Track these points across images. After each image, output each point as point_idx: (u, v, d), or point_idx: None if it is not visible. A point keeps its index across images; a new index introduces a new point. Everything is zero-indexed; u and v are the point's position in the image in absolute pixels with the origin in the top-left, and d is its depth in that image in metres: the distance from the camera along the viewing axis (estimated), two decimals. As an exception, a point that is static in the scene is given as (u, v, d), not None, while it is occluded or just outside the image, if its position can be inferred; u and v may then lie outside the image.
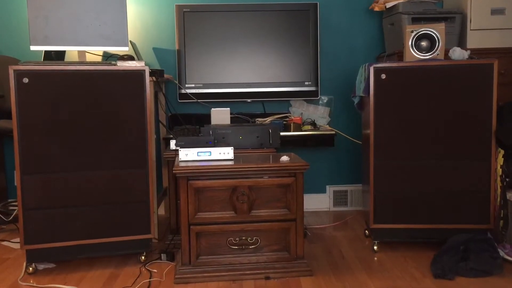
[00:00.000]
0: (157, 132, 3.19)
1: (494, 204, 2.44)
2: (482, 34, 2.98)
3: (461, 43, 3.02)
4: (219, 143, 2.54)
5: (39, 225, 2.24)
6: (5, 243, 2.74)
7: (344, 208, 3.49)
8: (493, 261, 2.24)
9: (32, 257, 2.28)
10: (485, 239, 2.34)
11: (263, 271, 2.22)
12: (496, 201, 2.45)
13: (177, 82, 3.18)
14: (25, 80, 2.17)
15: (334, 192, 3.48)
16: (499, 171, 2.44)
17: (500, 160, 2.44)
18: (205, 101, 3.20)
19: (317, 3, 3.18)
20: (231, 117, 3.02)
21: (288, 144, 2.99)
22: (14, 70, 2.16)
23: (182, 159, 2.29)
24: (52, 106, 2.21)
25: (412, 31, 2.53)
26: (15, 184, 3.17)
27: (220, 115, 2.96)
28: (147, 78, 2.32)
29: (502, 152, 2.43)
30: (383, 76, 2.44)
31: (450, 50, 2.53)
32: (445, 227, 2.47)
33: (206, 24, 3.15)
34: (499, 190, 2.44)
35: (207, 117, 3.09)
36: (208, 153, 2.30)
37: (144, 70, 2.31)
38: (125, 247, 2.37)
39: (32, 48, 2.40)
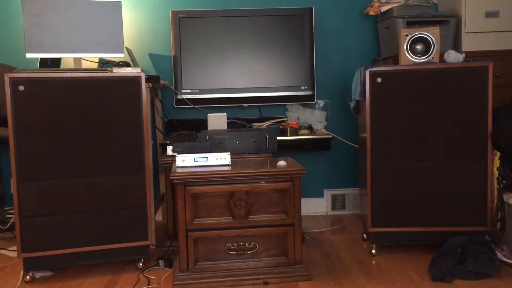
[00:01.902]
0: (154, 138, 3.19)
1: (491, 206, 2.45)
2: (476, 37, 2.99)
3: (456, 46, 3.03)
4: (216, 149, 2.53)
5: (36, 233, 2.23)
6: (2, 251, 2.73)
7: (341, 212, 3.49)
8: (491, 263, 2.24)
9: (29, 265, 2.27)
10: (482, 241, 2.34)
11: (261, 276, 2.21)
12: (493, 203, 2.45)
13: (173, 88, 3.18)
14: (21, 87, 2.17)
15: (332, 196, 3.48)
16: (496, 173, 2.44)
17: (497, 162, 2.44)
18: (202, 106, 3.20)
19: (312, 8, 3.19)
20: (227, 122, 3.02)
21: (285, 149, 2.98)
22: (10, 78, 2.16)
23: (179, 165, 2.29)
24: (48, 113, 2.21)
25: (407, 35, 2.55)
26: (12, 191, 3.16)
27: (217, 120, 2.96)
28: (143, 84, 2.32)
29: (498, 154, 2.44)
30: (379, 79, 2.45)
31: (445, 53, 2.54)
32: (443, 230, 2.47)
33: (201, 30, 3.16)
34: (495, 192, 2.44)
35: (204, 123, 3.09)
36: (205, 159, 2.30)
37: (140, 77, 2.31)
38: (122, 254, 2.37)
39: (28, 55, 2.40)
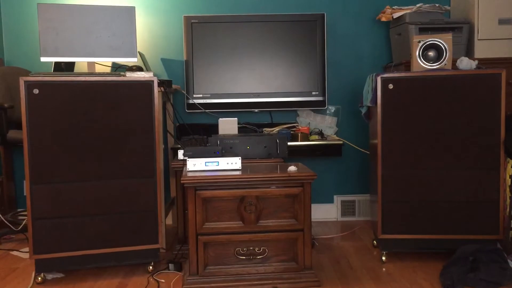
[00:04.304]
0: (165, 142, 3.21)
1: (503, 214, 2.43)
2: (489, 44, 2.97)
3: (469, 53, 3.02)
4: (227, 153, 2.54)
5: (48, 235, 2.25)
6: (14, 252, 2.76)
7: (351, 218, 3.47)
8: (502, 271, 2.22)
9: (41, 266, 2.30)
10: (494, 250, 2.32)
11: (270, 281, 2.21)
12: (505, 212, 2.43)
13: (185, 92, 3.20)
14: (35, 91, 2.20)
15: (342, 202, 3.47)
16: (508, 181, 2.42)
17: (509, 170, 2.42)
18: (213, 111, 3.21)
19: (324, 14, 3.20)
20: (238, 127, 3.03)
21: (296, 154, 2.99)
22: (25, 81, 2.19)
23: (190, 169, 2.30)
24: (61, 116, 2.23)
25: (419, 41, 2.54)
26: (25, 194, 3.19)
27: (228, 125, 2.97)
28: (156, 88, 2.34)
29: (511, 161, 2.42)
30: (391, 86, 2.44)
31: (458, 60, 2.53)
32: (454, 238, 2.46)
33: (214, 35, 3.18)
34: (508, 200, 2.42)
35: (215, 127, 3.10)
36: (216, 163, 2.31)
37: (152, 81, 2.33)
38: (133, 257, 2.38)
39: (43, 59, 2.43)
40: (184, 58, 3.19)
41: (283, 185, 2.21)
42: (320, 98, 3.23)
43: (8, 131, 2.91)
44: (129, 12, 2.51)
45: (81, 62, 3.14)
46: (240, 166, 2.33)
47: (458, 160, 2.43)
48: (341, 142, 3.06)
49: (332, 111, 3.38)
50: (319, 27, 3.20)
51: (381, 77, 2.45)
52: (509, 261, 2.32)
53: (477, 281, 2.18)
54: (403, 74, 2.45)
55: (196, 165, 2.30)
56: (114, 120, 2.29)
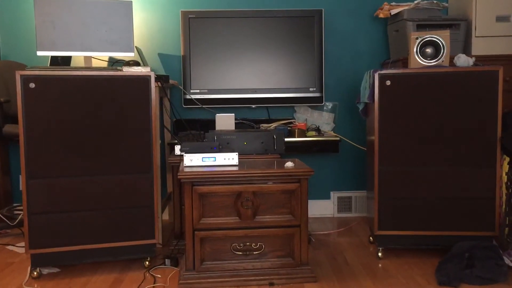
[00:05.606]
0: (162, 137, 3.20)
1: (499, 211, 2.44)
2: (487, 41, 2.98)
3: (466, 50, 3.02)
4: (224, 149, 2.54)
5: (44, 230, 2.25)
6: (10, 247, 2.75)
7: (348, 214, 3.48)
8: (498, 268, 2.23)
9: (36, 261, 2.29)
10: (490, 247, 2.33)
11: (267, 277, 2.21)
12: (501, 208, 2.44)
13: (182, 88, 3.19)
14: (32, 85, 2.19)
15: (339, 198, 3.48)
16: (504, 178, 2.43)
17: (505, 167, 2.43)
18: (210, 106, 3.21)
19: (322, 10, 3.19)
20: (235, 123, 3.03)
21: (293, 150, 2.99)
22: (21, 75, 2.18)
23: (186, 165, 2.29)
24: (57, 111, 2.22)
25: (417, 38, 2.54)
26: (21, 188, 3.18)
27: (225, 121, 2.96)
28: (153, 83, 2.33)
29: (507, 159, 2.43)
30: (388, 82, 2.44)
31: (455, 57, 2.53)
32: (450, 234, 2.46)
33: (211, 30, 3.17)
34: (504, 197, 2.43)
35: (212, 123, 3.10)
36: (213, 159, 2.31)
37: (149, 76, 2.33)
38: (129, 252, 2.38)
39: (39, 53, 2.42)
40: (182, 53, 3.18)
41: (280, 181, 2.21)
42: (317, 94, 3.23)
43: (4, 125, 2.90)
44: (127, 6, 2.50)
45: (77, 56, 3.13)
46: (237, 161, 2.33)
47: (454, 156, 2.44)
48: (338, 138, 3.06)
49: (330, 107, 3.38)
50: (317, 23, 3.19)
51: (379, 74, 2.45)
52: (504, 257, 2.33)
53: (472, 277, 2.19)
54: (400, 71, 2.45)
55: (193, 160, 2.30)
56: (110, 115, 2.29)
